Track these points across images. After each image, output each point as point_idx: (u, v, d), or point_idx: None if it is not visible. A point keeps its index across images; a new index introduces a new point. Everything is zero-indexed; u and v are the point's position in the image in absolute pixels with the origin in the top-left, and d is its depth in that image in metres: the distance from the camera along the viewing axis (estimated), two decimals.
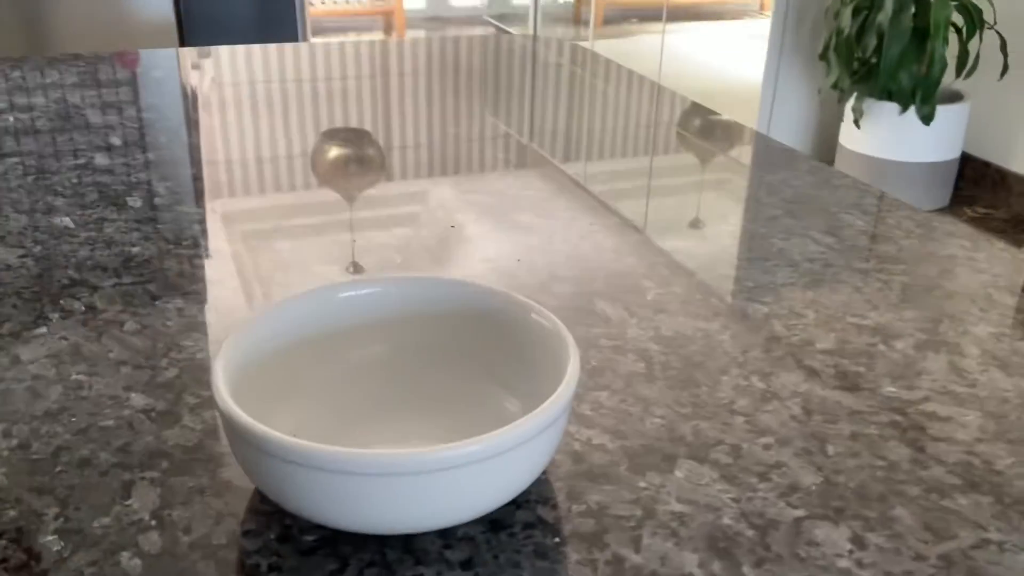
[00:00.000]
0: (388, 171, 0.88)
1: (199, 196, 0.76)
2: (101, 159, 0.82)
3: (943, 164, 3.01)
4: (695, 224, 0.73)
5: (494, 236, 0.70)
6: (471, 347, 0.49)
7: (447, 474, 0.37)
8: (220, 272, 0.63)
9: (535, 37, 1.38)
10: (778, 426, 0.49)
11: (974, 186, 3.21)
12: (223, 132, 0.95)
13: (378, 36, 5.51)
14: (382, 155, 0.92)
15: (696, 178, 0.85)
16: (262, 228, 0.71)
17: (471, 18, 5.90)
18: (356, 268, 0.67)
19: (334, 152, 0.93)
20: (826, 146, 3.41)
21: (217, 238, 0.69)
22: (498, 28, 5.61)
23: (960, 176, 3.18)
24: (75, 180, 0.78)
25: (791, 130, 3.41)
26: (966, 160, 3.18)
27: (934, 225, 0.74)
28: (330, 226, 0.74)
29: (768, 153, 0.92)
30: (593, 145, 0.94)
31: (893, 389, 0.52)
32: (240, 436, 0.38)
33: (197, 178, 0.79)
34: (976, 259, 0.68)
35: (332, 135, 0.99)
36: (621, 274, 0.65)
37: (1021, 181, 3.05)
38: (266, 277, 0.63)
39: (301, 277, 0.63)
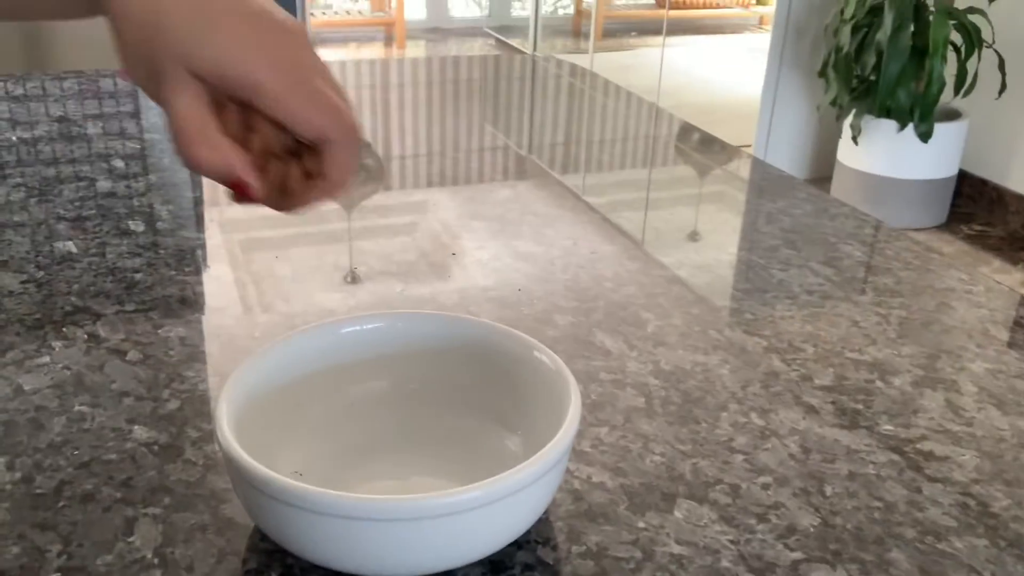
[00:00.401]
0: (387, 181, 0.88)
1: (200, 220, 0.76)
2: (104, 182, 0.83)
3: (940, 181, 3.02)
4: (694, 253, 0.74)
5: (493, 261, 0.70)
6: (473, 383, 0.49)
7: (447, 519, 0.37)
8: (222, 299, 0.64)
9: (534, 58, 1.39)
10: (776, 465, 0.49)
11: (971, 203, 3.23)
12: None
13: (379, 47, 5.53)
14: (381, 165, 0.92)
15: (694, 207, 0.85)
16: (262, 237, 0.71)
17: (472, 29, 5.92)
18: (354, 278, 0.67)
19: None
20: (824, 162, 3.42)
21: (216, 261, 0.69)
22: (498, 40, 5.62)
23: (957, 193, 3.19)
24: (77, 203, 0.78)
25: (789, 146, 3.43)
26: (963, 177, 3.19)
27: (932, 256, 0.75)
28: (329, 236, 0.75)
29: (766, 180, 0.92)
30: (591, 169, 0.94)
31: (890, 427, 0.53)
32: (243, 478, 0.38)
33: (199, 202, 0.80)
34: (973, 292, 0.69)
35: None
36: (621, 305, 0.65)
37: (1018, 199, 3.06)
38: (268, 303, 0.63)
39: (301, 294, 0.63)
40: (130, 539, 0.42)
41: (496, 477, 0.38)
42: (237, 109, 0.40)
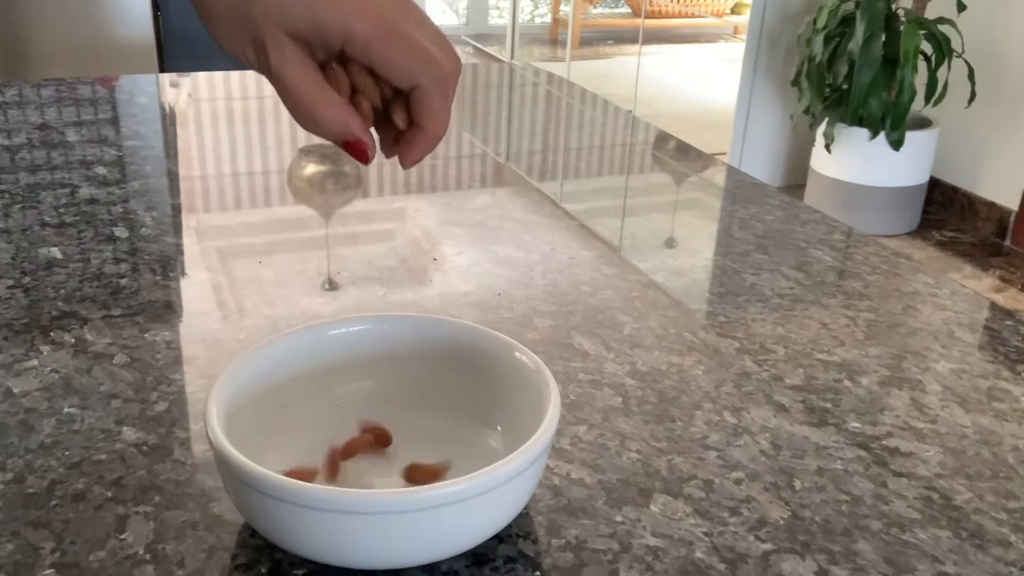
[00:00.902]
0: (365, 188, 0.90)
1: (183, 226, 0.77)
2: (86, 189, 0.83)
3: (912, 189, 3.07)
4: (670, 258, 0.75)
5: (472, 267, 0.72)
6: (456, 383, 0.50)
7: (432, 512, 0.38)
8: (206, 304, 0.65)
9: (511, 66, 1.40)
10: (748, 461, 0.51)
11: (942, 210, 3.28)
12: (199, 148, 0.96)
13: None
14: (359, 172, 0.94)
15: (670, 213, 0.87)
16: (240, 244, 0.73)
17: (449, 37, 5.93)
18: (332, 285, 0.68)
19: (311, 169, 0.95)
20: (798, 170, 3.47)
21: (200, 267, 0.70)
22: (475, 48, 5.65)
23: (929, 200, 3.24)
24: (61, 210, 0.79)
25: (764, 153, 3.47)
26: (935, 185, 3.24)
27: (900, 261, 0.77)
28: (306, 243, 0.76)
29: (740, 187, 0.94)
30: (568, 176, 0.96)
31: (858, 424, 0.55)
32: (233, 474, 0.39)
33: (181, 209, 0.81)
34: (939, 295, 0.71)
35: (309, 152, 1.00)
36: (598, 308, 0.67)
37: (988, 206, 3.12)
38: (252, 307, 0.65)
39: (285, 298, 0.64)
40: (122, 536, 0.44)
41: (479, 472, 0.39)
42: (340, 69, 0.41)
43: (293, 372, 0.49)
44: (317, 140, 1.05)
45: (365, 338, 0.50)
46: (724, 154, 3.49)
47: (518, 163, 0.99)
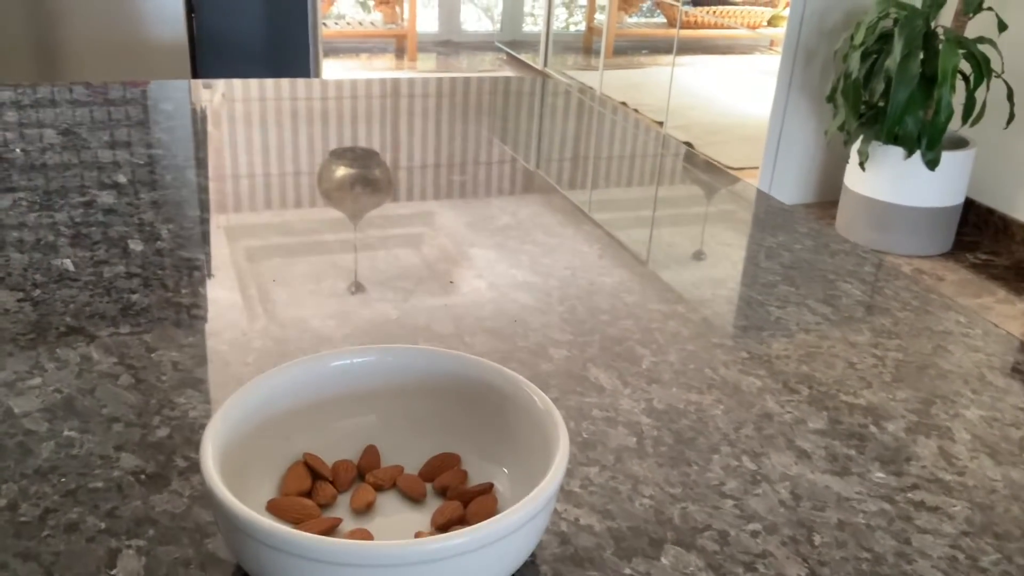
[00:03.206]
0: (395, 192, 0.88)
1: (201, 240, 0.76)
2: (106, 198, 0.83)
3: (947, 210, 3.02)
4: (693, 287, 0.73)
5: (489, 290, 0.70)
6: (462, 420, 0.49)
7: (428, 566, 0.37)
8: (216, 324, 0.64)
9: (544, 80, 1.39)
10: (766, 512, 0.49)
11: (977, 232, 3.22)
12: (230, 149, 0.96)
13: (390, 58, 5.55)
14: (389, 176, 0.92)
15: (695, 240, 0.85)
16: (265, 246, 0.71)
17: (483, 43, 5.94)
18: (358, 288, 0.68)
19: (341, 172, 0.94)
20: (831, 187, 3.42)
21: (214, 284, 0.69)
22: (509, 55, 5.63)
23: (963, 222, 3.18)
24: (78, 220, 0.78)
25: (797, 169, 3.43)
26: (970, 206, 3.19)
27: (931, 297, 0.74)
28: (334, 245, 0.75)
29: (768, 213, 0.92)
30: (595, 199, 0.94)
31: (882, 475, 0.52)
32: (225, 518, 0.38)
33: (201, 221, 0.80)
34: (970, 335, 0.69)
35: (340, 155, 0.99)
36: (616, 339, 0.65)
37: None
38: (263, 328, 0.63)
39: (296, 319, 0.63)
40: (112, 572, 0.42)
41: (479, 524, 0.37)
42: None
43: (295, 404, 0.47)
44: (348, 143, 1.04)
45: (369, 370, 0.49)
46: (756, 168, 3.45)
47: (548, 172, 0.97)
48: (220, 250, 0.75)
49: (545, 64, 5.24)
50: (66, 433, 0.52)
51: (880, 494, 0.51)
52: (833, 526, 0.48)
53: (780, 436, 0.55)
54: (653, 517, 0.48)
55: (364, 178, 0.91)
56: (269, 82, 1.26)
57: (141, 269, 0.70)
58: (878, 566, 0.45)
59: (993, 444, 0.56)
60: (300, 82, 1.27)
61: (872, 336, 0.68)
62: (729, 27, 5.86)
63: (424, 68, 5.43)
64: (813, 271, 0.77)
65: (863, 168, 2.98)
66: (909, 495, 0.51)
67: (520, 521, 0.38)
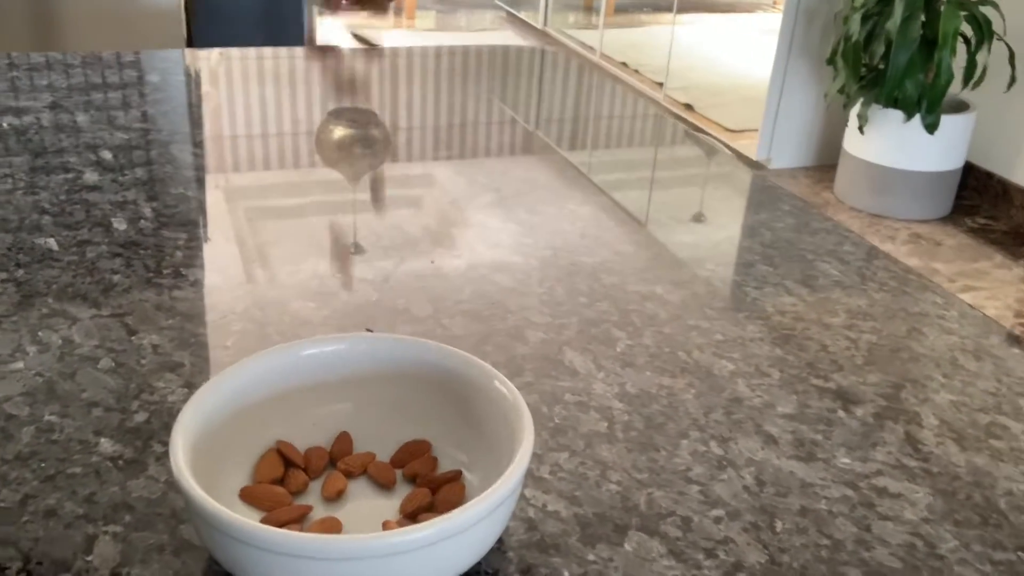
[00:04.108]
0: (393, 152, 0.89)
1: (184, 219, 0.77)
2: (91, 174, 0.83)
3: (946, 174, 3.01)
4: (672, 269, 0.74)
5: (470, 271, 0.71)
6: (434, 408, 0.50)
7: (391, 559, 0.38)
8: (196, 306, 0.64)
9: (543, 51, 1.38)
10: (730, 498, 0.50)
11: (976, 196, 3.21)
12: (229, 107, 0.96)
13: (388, 16, 5.49)
14: (387, 136, 0.93)
15: (678, 219, 0.85)
16: (260, 206, 0.72)
17: (483, 1, 5.87)
18: (358, 249, 0.69)
19: (339, 132, 0.94)
20: (830, 150, 3.41)
21: (196, 264, 0.70)
22: (508, 12, 5.58)
23: (963, 186, 3.17)
24: (63, 197, 0.78)
25: (796, 132, 3.41)
26: (969, 170, 3.18)
27: (909, 278, 0.75)
28: (332, 206, 0.76)
29: (753, 190, 0.92)
30: (584, 167, 0.94)
31: (847, 460, 0.53)
32: (192, 509, 0.39)
33: (183, 199, 0.80)
34: (946, 318, 0.69)
35: (338, 115, 0.99)
36: (593, 322, 0.66)
37: (1023, 193, 3.05)
38: (243, 310, 0.64)
39: (276, 303, 0.64)
40: (88, 558, 0.43)
41: (441, 517, 0.38)
42: None
43: (268, 393, 0.48)
44: (347, 104, 1.05)
45: (343, 358, 0.50)
46: (755, 130, 3.44)
47: (546, 132, 0.97)
48: (209, 224, 0.76)
49: (545, 23, 5.19)
50: (47, 418, 0.53)
51: (844, 480, 0.52)
52: (795, 512, 0.49)
53: (749, 421, 0.56)
54: (619, 503, 0.49)
55: (362, 138, 0.91)
56: (267, 50, 1.26)
57: (123, 249, 0.71)
58: (837, 553, 0.47)
59: (960, 430, 0.57)
60: (297, 51, 1.27)
61: (847, 318, 0.68)
62: None
63: (423, 26, 5.38)
64: (792, 250, 0.78)
65: (862, 132, 2.96)
66: (873, 481, 0.52)
67: (475, 517, 0.39)
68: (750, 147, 3.45)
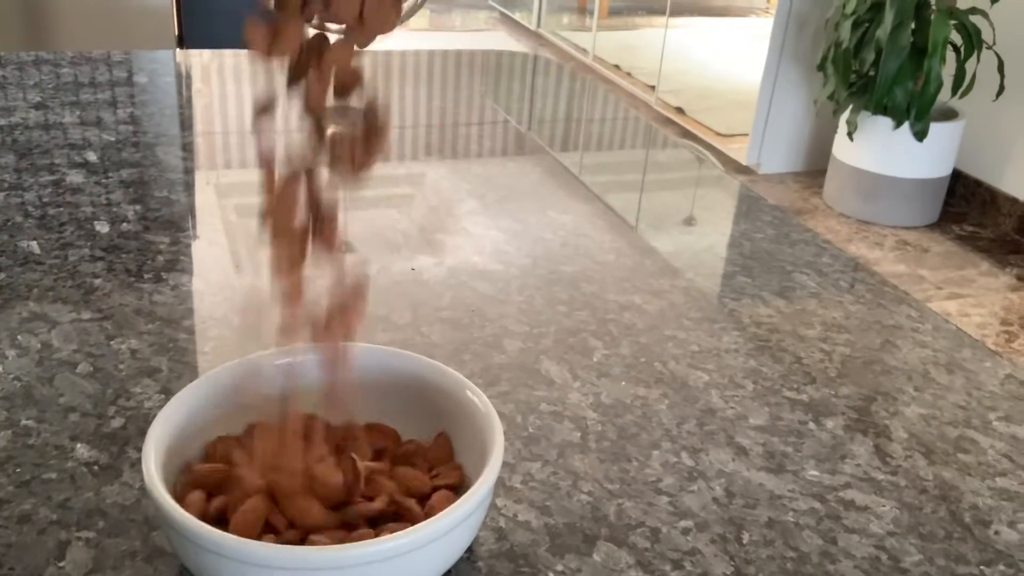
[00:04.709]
0: (387, 149, 0.89)
1: (167, 222, 0.77)
2: (75, 176, 0.83)
3: (934, 181, 3.03)
4: (651, 278, 0.74)
5: (450, 278, 0.71)
6: (405, 417, 0.50)
7: (363, 568, 0.38)
8: (176, 311, 0.65)
9: (535, 58, 1.39)
10: (699, 509, 0.50)
11: (964, 203, 3.23)
12: (221, 102, 0.96)
13: None
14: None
15: (659, 228, 0.86)
16: (248, 204, 0.72)
17: (476, 1, 5.88)
18: (347, 248, 0.69)
19: (329, 129, 0.94)
20: (819, 156, 3.42)
21: (176, 269, 0.70)
22: (502, 13, 5.59)
23: (951, 193, 3.19)
24: (46, 199, 0.79)
25: (785, 137, 3.42)
26: (958, 177, 3.20)
27: (885, 290, 0.76)
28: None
29: (735, 200, 0.93)
30: (577, 166, 0.95)
31: (816, 473, 0.54)
32: (164, 520, 0.39)
33: (167, 202, 0.80)
34: (920, 330, 0.70)
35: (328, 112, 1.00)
36: (571, 331, 0.66)
37: (1010, 201, 3.07)
38: (221, 316, 0.64)
39: (261, 296, 0.64)
40: (61, 564, 0.44)
41: (409, 529, 0.39)
42: None
43: (240, 403, 0.48)
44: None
45: (315, 368, 0.50)
46: (746, 135, 3.45)
47: (540, 134, 0.98)
48: (192, 227, 0.76)
49: (539, 24, 5.20)
50: (24, 422, 0.53)
51: (812, 492, 0.52)
52: (763, 524, 0.50)
53: (721, 432, 0.57)
54: (589, 513, 0.50)
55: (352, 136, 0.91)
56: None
57: (106, 252, 0.71)
58: (802, 565, 0.47)
59: (929, 443, 0.57)
60: None
61: (822, 330, 0.69)
62: None
63: (416, 26, 5.38)
64: (771, 261, 0.79)
65: (851, 138, 2.98)
66: (840, 494, 0.53)
67: (444, 528, 0.39)
68: (740, 151, 3.46)
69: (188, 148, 0.92)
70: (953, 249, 2.96)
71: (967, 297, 2.68)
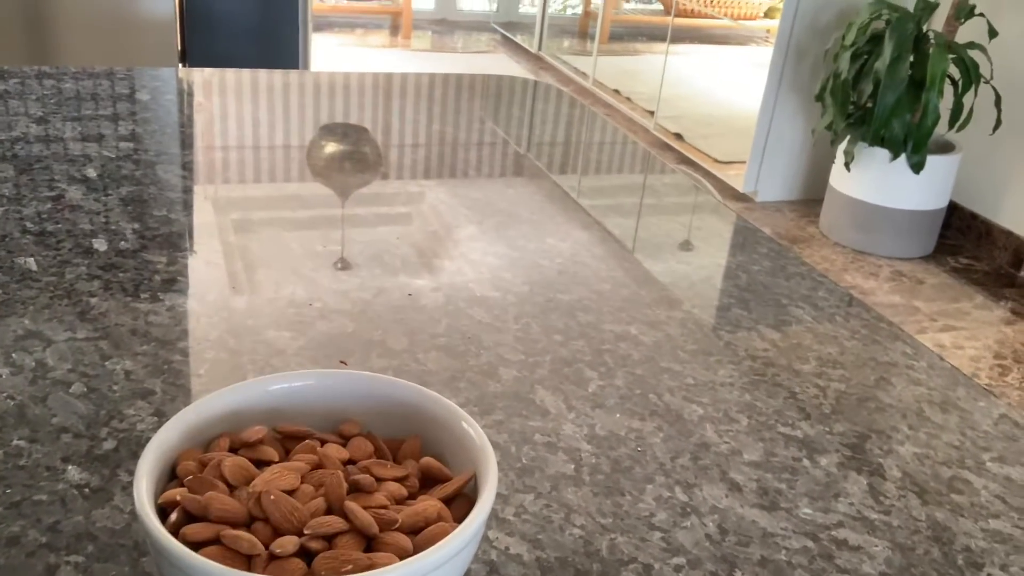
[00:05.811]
0: (384, 170, 0.89)
1: (165, 241, 0.77)
2: (74, 192, 0.83)
3: (930, 213, 3.04)
4: (647, 308, 0.74)
5: (447, 304, 0.71)
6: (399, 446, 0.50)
7: None
8: (172, 332, 0.65)
9: (535, 83, 1.39)
10: (692, 545, 0.50)
11: (960, 236, 3.24)
12: (222, 119, 0.96)
13: (384, 35, 5.52)
14: (379, 153, 0.94)
15: (655, 259, 0.86)
16: (246, 219, 0.72)
17: (479, 23, 5.91)
18: (344, 264, 0.69)
19: (330, 148, 0.95)
20: (816, 185, 3.44)
21: (172, 289, 0.70)
22: (504, 36, 5.62)
23: (947, 225, 3.20)
24: (45, 216, 0.79)
25: (783, 166, 3.44)
26: (953, 210, 3.21)
27: (880, 326, 0.76)
28: (320, 221, 0.77)
29: (731, 232, 0.93)
30: (573, 202, 0.95)
31: (809, 511, 0.54)
32: (154, 548, 0.39)
33: (166, 221, 0.80)
34: (915, 367, 0.70)
35: (329, 131, 1.00)
36: (566, 361, 0.66)
37: (1006, 234, 3.08)
38: (217, 338, 0.64)
39: (251, 331, 0.64)
40: None
41: (403, 562, 0.39)
42: None
43: (235, 426, 0.48)
44: (339, 119, 1.06)
45: (309, 394, 0.50)
46: (743, 163, 3.46)
47: (537, 156, 0.98)
48: (190, 248, 0.76)
49: (540, 47, 5.23)
50: (15, 442, 0.53)
51: (805, 531, 0.52)
52: (755, 562, 0.50)
53: (715, 467, 0.57)
54: (582, 548, 0.49)
55: (353, 154, 0.92)
56: (262, 73, 1.26)
57: (103, 271, 0.71)
58: None
59: (922, 483, 0.57)
60: (292, 73, 1.28)
61: (817, 365, 0.69)
62: (726, 16, 5.84)
63: (418, 47, 5.40)
64: (767, 294, 0.79)
65: (848, 169, 2.99)
66: (833, 533, 0.52)
67: (436, 562, 0.39)
68: (738, 179, 3.47)
69: (188, 167, 0.92)
70: (948, 281, 2.97)
71: (961, 330, 2.68)
